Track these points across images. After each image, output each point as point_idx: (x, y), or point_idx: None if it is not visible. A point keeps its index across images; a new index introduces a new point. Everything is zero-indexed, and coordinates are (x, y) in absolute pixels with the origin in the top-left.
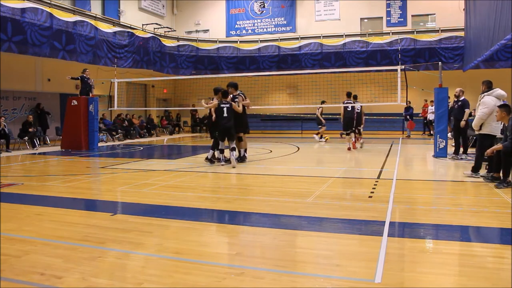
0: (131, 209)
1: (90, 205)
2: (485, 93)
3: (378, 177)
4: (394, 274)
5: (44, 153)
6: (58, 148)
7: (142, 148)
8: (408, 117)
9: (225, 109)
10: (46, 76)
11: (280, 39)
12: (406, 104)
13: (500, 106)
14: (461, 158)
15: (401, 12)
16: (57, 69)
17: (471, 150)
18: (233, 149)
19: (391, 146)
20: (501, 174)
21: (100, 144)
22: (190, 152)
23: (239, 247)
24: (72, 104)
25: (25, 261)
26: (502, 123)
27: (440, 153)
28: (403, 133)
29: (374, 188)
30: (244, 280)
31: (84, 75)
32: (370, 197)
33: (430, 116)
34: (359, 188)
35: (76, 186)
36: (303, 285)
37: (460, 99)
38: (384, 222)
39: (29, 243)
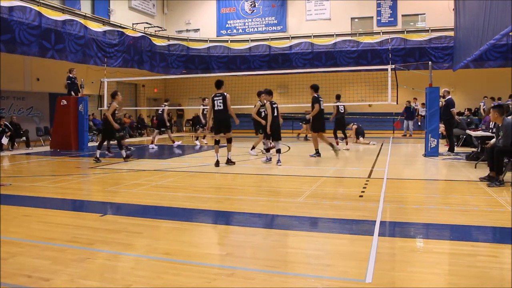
0: (121, 210)
1: (79, 205)
2: None
3: (369, 177)
4: (385, 274)
5: (33, 154)
6: (47, 148)
7: (132, 148)
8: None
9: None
10: (35, 75)
11: (271, 39)
12: (397, 103)
13: (493, 107)
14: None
15: (391, 11)
16: (46, 68)
17: (459, 150)
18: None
19: (381, 145)
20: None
21: (90, 144)
22: (181, 152)
23: (230, 248)
24: (61, 104)
25: (12, 264)
26: (495, 123)
27: (431, 152)
28: (393, 132)
29: (364, 188)
30: (234, 281)
31: (71, 75)
32: (361, 196)
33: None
34: (349, 187)
35: (65, 186)
36: (294, 285)
37: (445, 99)
38: (375, 221)
39: (16, 245)
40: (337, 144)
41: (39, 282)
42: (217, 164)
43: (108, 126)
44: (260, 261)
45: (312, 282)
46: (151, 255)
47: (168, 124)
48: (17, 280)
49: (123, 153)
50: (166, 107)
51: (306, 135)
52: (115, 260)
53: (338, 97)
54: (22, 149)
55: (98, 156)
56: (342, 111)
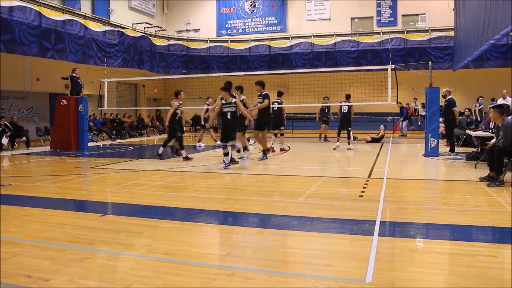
0: (121, 210)
1: (79, 205)
2: None
3: (369, 176)
4: (385, 274)
5: (33, 154)
6: (47, 148)
7: (132, 148)
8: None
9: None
10: (35, 75)
11: (271, 39)
12: (397, 103)
13: (493, 107)
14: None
15: (391, 11)
16: (46, 68)
17: (459, 150)
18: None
19: (381, 146)
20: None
21: (90, 144)
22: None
23: (230, 248)
24: (61, 104)
25: (11, 263)
26: (495, 123)
27: (431, 152)
28: (393, 133)
29: (364, 188)
30: (234, 281)
31: (74, 75)
32: (361, 196)
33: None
34: (349, 187)
35: (65, 186)
36: (294, 285)
37: (446, 98)
38: (375, 221)
39: (16, 245)
40: (338, 141)
41: (39, 282)
42: (232, 160)
43: (173, 125)
44: (260, 261)
45: (312, 282)
46: (151, 255)
47: (203, 122)
48: (17, 280)
49: (183, 153)
50: (206, 105)
51: (326, 136)
52: (115, 260)
53: (347, 97)
54: (22, 149)
55: (159, 152)
56: (345, 111)
